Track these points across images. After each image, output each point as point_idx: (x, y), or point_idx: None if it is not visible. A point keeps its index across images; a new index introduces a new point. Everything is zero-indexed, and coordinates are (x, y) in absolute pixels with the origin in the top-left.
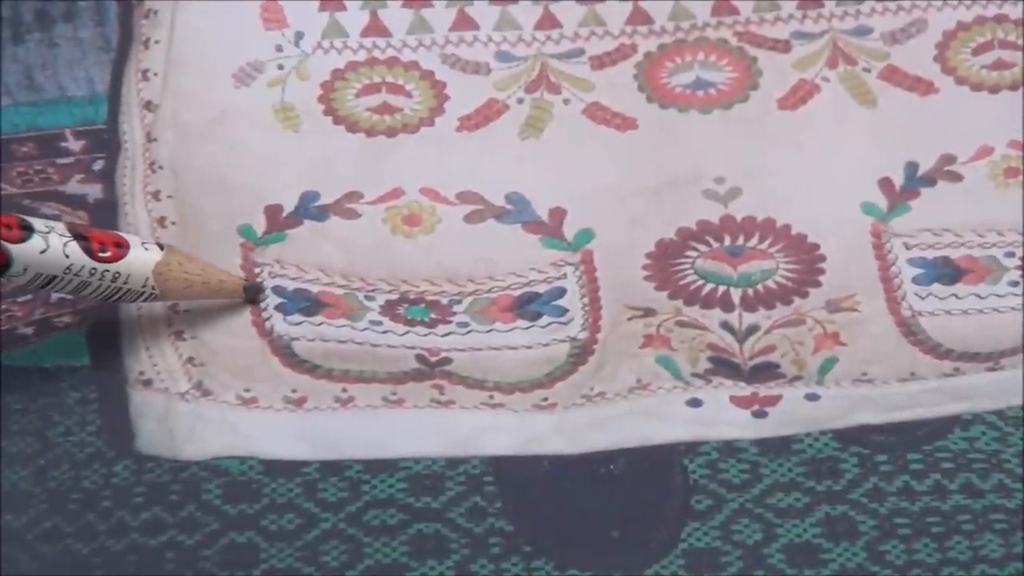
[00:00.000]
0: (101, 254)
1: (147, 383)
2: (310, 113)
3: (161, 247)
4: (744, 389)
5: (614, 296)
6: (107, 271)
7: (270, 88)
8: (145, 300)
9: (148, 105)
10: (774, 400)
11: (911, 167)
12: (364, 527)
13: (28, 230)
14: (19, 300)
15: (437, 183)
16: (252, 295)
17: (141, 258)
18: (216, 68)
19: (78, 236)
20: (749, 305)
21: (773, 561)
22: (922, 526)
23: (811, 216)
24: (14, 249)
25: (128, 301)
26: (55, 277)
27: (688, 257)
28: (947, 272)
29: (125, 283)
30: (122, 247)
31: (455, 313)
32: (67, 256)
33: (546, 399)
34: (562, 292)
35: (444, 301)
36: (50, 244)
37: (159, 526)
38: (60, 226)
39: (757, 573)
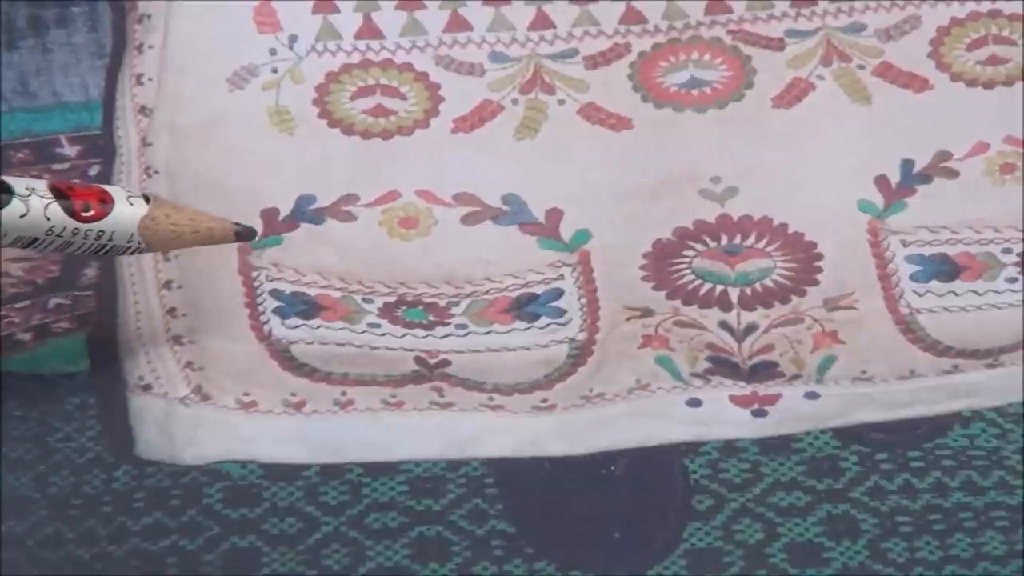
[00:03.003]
0: (84, 213)
1: (146, 388)
2: (305, 116)
3: (147, 199)
4: (743, 388)
5: (612, 296)
6: (90, 230)
7: (265, 91)
8: (132, 253)
9: (143, 110)
10: (774, 399)
11: (907, 164)
12: (365, 530)
13: (8, 193)
14: (17, 306)
15: (433, 185)
16: (244, 239)
17: (126, 213)
18: (210, 72)
19: (60, 195)
20: (747, 304)
21: (775, 560)
22: (923, 524)
23: (808, 214)
24: None
25: (115, 255)
26: (36, 239)
27: (685, 257)
28: (944, 269)
29: (110, 240)
30: (107, 203)
31: (453, 315)
32: (48, 219)
33: (545, 400)
34: (560, 293)
35: (442, 303)
36: (30, 207)
37: (160, 531)
38: (42, 186)
39: (759, 573)
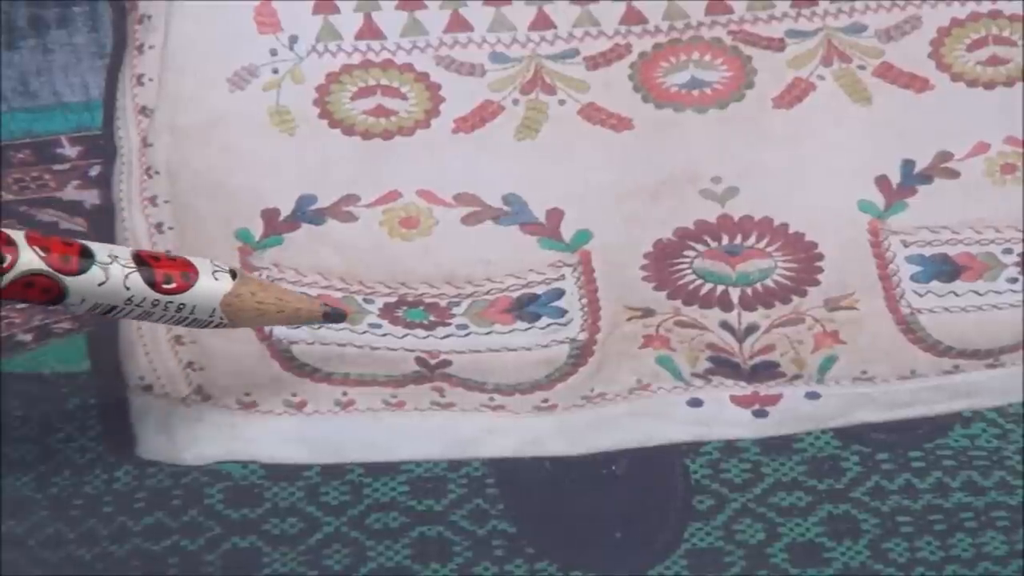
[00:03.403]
0: (165, 285)
1: (147, 388)
2: (305, 116)
3: (234, 274)
4: (744, 388)
5: (613, 296)
6: (171, 303)
7: (265, 92)
8: (214, 327)
9: (143, 110)
10: (774, 399)
11: (908, 164)
12: (366, 530)
13: (89, 258)
14: (18, 306)
15: (434, 185)
16: (334, 320)
17: (209, 288)
18: (211, 72)
19: (142, 264)
20: (748, 304)
21: (776, 561)
22: (924, 524)
23: (808, 214)
24: (71, 282)
25: (196, 327)
26: (115, 307)
27: (686, 257)
28: (945, 269)
29: (191, 313)
30: (190, 275)
31: (454, 315)
32: (127, 288)
33: (546, 400)
34: (561, 293)
35: (443, 303)
36: (110, 276)
37: (161, 531)
38: (125, 254)
39: (760, 573)
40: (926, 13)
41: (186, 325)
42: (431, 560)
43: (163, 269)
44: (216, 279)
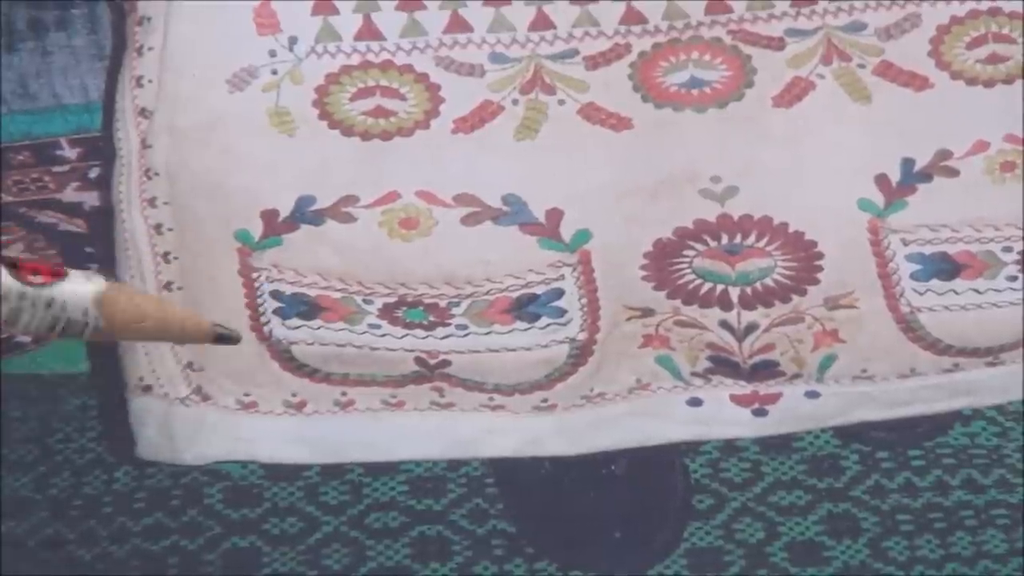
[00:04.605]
0: (32, 277)
1: (147, 389)
2: (305, 117)
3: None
4: (744, 388)
5: (612, 296)
6: (39, 296)
7: (264, 93)
8: (92, 333)
9: (143, 112)
10: (774, 398)
11: (907, 163)
12: (366, 530)
13: None
14: None
15: (433, 186)
16: (227, 343)
17: (79, 284)
18: (210, 74)
19: (10, 265)
20: (748, 304)
21: (776, 559)
22: (924, 522)
23: (808, 213)
24: None
25: (73, 334)
26: None
27: (686, 256)
28: (945, 267)
29: (63, 310)
30: (59, 274)
31: (453, 316)
32: None
33: (546, 400)
34: (560, 293)
35: (442, 304)
36: None
37: (161, 531)
38: None
39: (760, 572)
40: (925, 11)
41: (60, 330)
42: (431, 559)
43: (29, 268)
44: (89, 280)
